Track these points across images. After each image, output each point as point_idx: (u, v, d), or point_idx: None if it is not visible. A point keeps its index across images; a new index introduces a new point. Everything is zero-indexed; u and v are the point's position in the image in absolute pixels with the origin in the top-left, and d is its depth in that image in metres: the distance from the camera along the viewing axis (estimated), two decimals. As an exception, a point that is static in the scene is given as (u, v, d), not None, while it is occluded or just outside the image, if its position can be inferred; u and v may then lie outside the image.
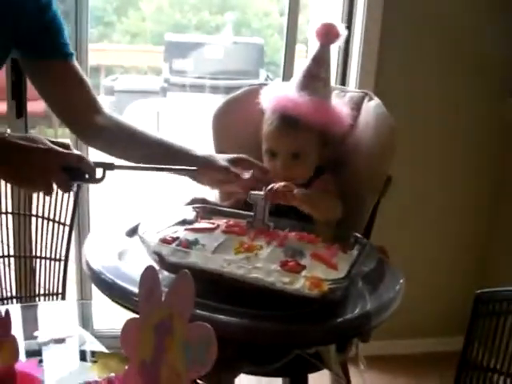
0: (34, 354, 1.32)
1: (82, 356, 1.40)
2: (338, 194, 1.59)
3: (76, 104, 1.49)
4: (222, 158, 1.55)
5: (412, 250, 2.61)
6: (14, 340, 0.98)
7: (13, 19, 1.35)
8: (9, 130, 1.20)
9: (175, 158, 1.50)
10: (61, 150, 1.20)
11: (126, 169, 1.33)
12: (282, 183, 1.42)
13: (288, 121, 1.57)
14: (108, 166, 1.26)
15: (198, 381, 1.06)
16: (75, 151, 1.24)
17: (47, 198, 2.03)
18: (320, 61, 1.62)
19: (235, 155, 1.56)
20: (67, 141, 1.25)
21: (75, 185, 1.30)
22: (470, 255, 2.82)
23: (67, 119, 1.54)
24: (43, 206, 2.05)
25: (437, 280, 2.76)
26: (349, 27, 2.44)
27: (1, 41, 1.36)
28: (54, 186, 1.22)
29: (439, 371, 2.66)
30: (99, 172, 1.26)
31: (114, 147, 1.51)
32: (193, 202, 1.62)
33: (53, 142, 1.22)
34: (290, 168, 1.58)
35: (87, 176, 1.24)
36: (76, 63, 1.50)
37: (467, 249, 2.81)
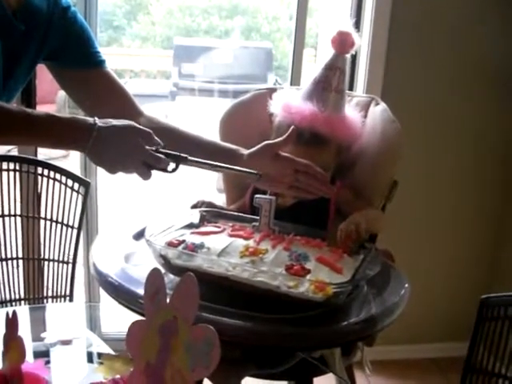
0: (42, 355, 1.32)
1: (89, 358, 1.40)
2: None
3: (115, 109, 1.47)
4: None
5: (417, 254, 2.61)
6: (20, 341, 0.99)
7: (41, 35, 1.37)
8: (97, 119, 1.24)
9: (217, 154, 1.49)
10: (144, 147, 1.24)
11: (197, 164, 1.34)
12: (347, 225, 1.40)
13: (316, 139, 1.57)
14: (182, 160, 1.29)
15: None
16: (156, 139, 1.27)
17: (55, 202, 2.04)
18: (336, 70, 1.61)
19: (259, 146, 1.48)
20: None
21: None
22: (475, 259, 2.81)
23: None
24: (51, 208, 2.06)
25: (443, 284, 2.76)
26: (357, 32, 2.44)
27: (30, 56, 1.38)
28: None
29: (446, 376, 2.66)
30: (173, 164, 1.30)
31: None
32: (198, 204, 1.63)
33: (138, 130, 1.26)
34: None
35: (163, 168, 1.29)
36: (109, 69, 1.50)
37: (473, 253, 2.79)
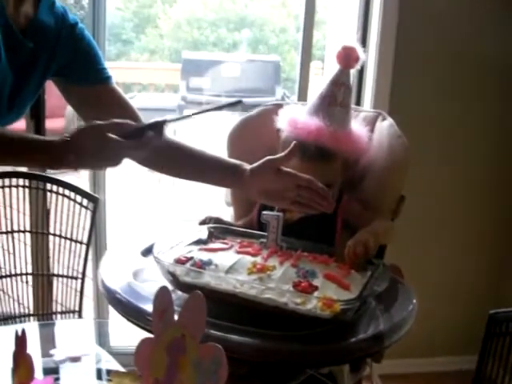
0: (51, 371, 1.33)
1: (98, 374, 1.41)
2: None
3: None
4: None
5: (426, 270, 2.60)
6: (29, 358, 1.00)
7: (49, 51, 1.38)
8: (66, 134, 1.24)
9: (219, 169, 1.50)
10: (116, 139, 1.21)
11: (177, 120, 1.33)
12: (355, 243, 1.40)
13: (321, 154, 1.57)
14: (162, 125, 1.27)
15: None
16: (124, 121, 1.25)
17: (64, 217, 2.05)
18: (341, 85, 1.62)
19: (261, 161, 1.48)
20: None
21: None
22: (484, 274, 2.80)
23: None
24: (60, 224, 2.07)
25: (451, 299, 2.74)
26: (363, 46, 2.45)
27: (38, 73, 1.40)
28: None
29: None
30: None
31: (162, 164, 1.52)
32: (207, 220, 1.63)
33: (99, 127, 1.23)
34: None
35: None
36: (115, 86, 1.51)
37: (482, 267, 2.79)
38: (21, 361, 1.01)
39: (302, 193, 1.44)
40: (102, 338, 1.74)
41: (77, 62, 1.44)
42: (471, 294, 2.77)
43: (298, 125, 1.61)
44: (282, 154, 1.46)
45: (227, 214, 1.86)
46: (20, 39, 1.31)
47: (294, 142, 1.46)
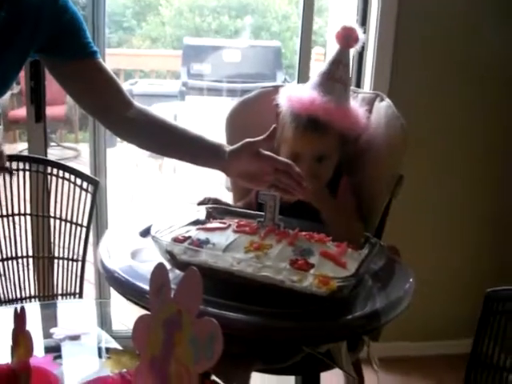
0: (53, 350, 1.34)
1: (98, 353, 1.42)
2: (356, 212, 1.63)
3: (106, 100, 1.49)
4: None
5: (424, 251, 2.61)
6: (28, 335, 1.01)
7: (31, 25, 1.36)
8: None
9: (201, 149, 1.50)
10: None
11: None
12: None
13: (314, 125, 1.58)
14: None
15: (214, 378, 1.09)
16: None
17: (65, 200, 2.06)
18: (339, 63, 1.63)
19: (240, 143, 1.48)
20: None
21: None
22: (484, 255, 2.80)
23: (99, 116, 1.56)
24: (61, 207, 2.08)
25: (451, 281, 2.75)
26: (363, 29, 2.45)
27: (20, 45, 1.37)
28: None
29: (456, 374, 2.65)
30: None
31: (145, 139, 1.53)
32: (205, 201, 1.64)
33: None
34: (314, 171, 1.59)
35: None
36: (101, 60, 1.49)
37: (481, 249, 2.79)
38: (20, 338, 1.02)
39: (280, 177, 1.44)
40: (103, 319, 1.75)
41: (62, 35, 1.42)
42: (473, 276, 2.78)
43: (292, 98, 1.63)
44: (261, 137, 1.47)
45: (228, 199, 1.87)
46: None
47: (273, 126, 1.47)
